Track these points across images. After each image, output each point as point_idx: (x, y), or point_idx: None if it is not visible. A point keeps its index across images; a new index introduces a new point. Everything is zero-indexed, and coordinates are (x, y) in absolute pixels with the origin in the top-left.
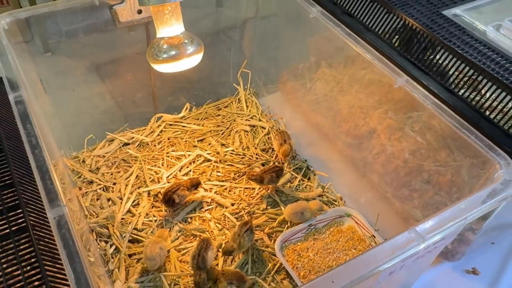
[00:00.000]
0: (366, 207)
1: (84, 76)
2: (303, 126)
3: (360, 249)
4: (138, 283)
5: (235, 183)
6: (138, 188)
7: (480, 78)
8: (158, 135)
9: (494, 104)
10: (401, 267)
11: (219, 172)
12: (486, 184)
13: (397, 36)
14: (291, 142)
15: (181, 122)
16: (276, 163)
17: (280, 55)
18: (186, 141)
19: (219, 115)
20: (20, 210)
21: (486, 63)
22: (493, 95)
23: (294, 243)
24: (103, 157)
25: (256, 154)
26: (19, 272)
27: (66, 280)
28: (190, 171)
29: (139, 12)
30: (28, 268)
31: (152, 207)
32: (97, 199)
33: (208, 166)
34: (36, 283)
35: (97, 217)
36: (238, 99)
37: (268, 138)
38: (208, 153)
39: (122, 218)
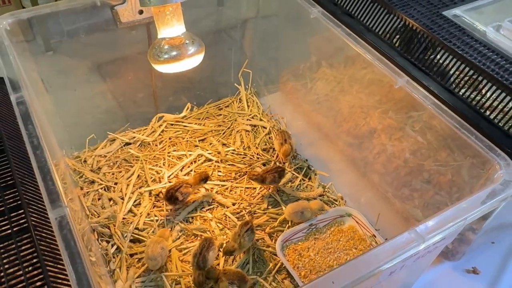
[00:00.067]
0: (366, 206)
1: (85, 76)
2: (304, 126)
3: (360, 248)
4: (139, 282)
5: (236, 183)
6: (140, 188)
7: (480, 78)
8: (160, 135)
9: (494, 104)
10: (401, 267)
11: (220, 171)
12: (486, 184)
13: (397, 37)
14: (291, 142)
15: (182, 122)
16: (277, 163)
17: (281, 55)
18: (187, 140)
19: (220, 114)
20: (22, 211)
21: (486, 63)
22: (493, 95)
23: (295, 242)
24: (104, 156)
25: (257, 154)
26: (20, 272)
27: (68, 280)
28: (191, 170)
29: (140, 12)
30: (30, 268)
31: (153, 207)
32: (99, 199)
33: (209, 166)
34: (38, 283)
35: (98, 217)
36: (239, 98)
37: (269, 137)
38: (209, 153)
39: (123, 218)
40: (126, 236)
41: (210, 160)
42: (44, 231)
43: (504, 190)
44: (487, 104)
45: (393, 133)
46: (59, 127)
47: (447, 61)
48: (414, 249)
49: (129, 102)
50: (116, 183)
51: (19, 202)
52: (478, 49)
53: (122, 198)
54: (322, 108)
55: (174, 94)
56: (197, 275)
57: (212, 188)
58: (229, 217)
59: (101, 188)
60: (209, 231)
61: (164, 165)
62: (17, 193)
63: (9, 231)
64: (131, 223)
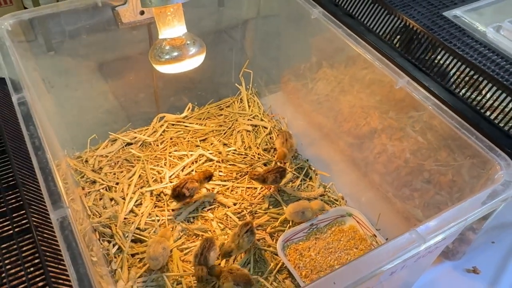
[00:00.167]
0: (367, 206)
1: (87, 76)
2: (305, 126)
3: (361, 248)
4: (140, 282)
5: (237, 183)
6: (141, 188)
7: (480, 79)
8: (161, 135)
9: (495, 105)
10: (402, 267)
11: (221, 171)
12: (487, 185)
13: (398, 37)
14: (291, 142)
15: (184, 122)
16: (278, 163)
17: (282, 55)
18: (188, 141)
19: (221, 115)
20: (24, 211)
21: (486, 64)
22: (493, 96)
23: (296, 242)
24: (106, 157)
25: (258, 154)
26: (22, 273)
27: (69, 281)
28: (192, 170)
29: (142, 13)
30: (32, 269)
31: (154, 207)
32: (100, 199)
33: (210, 166)
34: (40, 284)
35: (100, 217)
36: (240, 99)
37: (270, 138)
38: (210, 153)
39: (124, 218)
40: (127, 236)
41: (211, 160)
42: (46, 231)
43: (504, 191)
44: (487, 104)
45: (394, 133)
46: (60, 127)
47: (447, 62)
48: (415, 249)
49: (131, 102)
50: (117, 183)
51: (21, 202)
52: (478, 50)
53: (124, 198)
54: (322, 108)
55: (175, 94)
56: (198, 270)
57: (213, 188)
58: (230, 217)
59: (103, 188)
60: (210, 231)
61: (165, 165)
62: (18, 194)
63: (11, 231)
64: (132, 223)
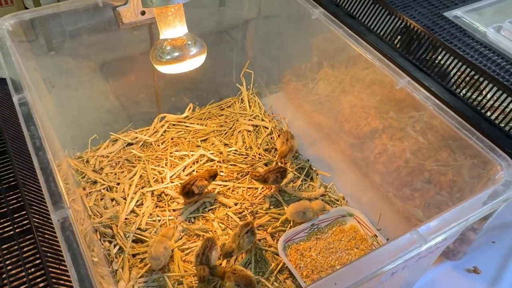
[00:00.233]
0: (368, 206)
1: (87, 76)
2: (306, 126)
3: (362, 248)
4: (141, 283)
5: (238, 183)
6: (142, 188)
7: (480, 79)
8: (162, 135)
9: (495, 105)
10: (403, 267)
11: (222, 172)
12: (487, 185)
13: (398, 38)
14: (292, 142)
15: (184, 122)
16: (279, 163)
17: (283, 55)
18: (189, 141)
19: (222, 115)
20: (24, 212)
21: (486, 64)
22: (494, 96)
23: (296, 242)
24: (106, 157)
25: (259, 154)
26: (23, 274)
27: (70, 281)
28: (193, 171)
29: (143, 13)
30: (32, 270)
31: (155, 207)
32: (101, 199)
33: (211, 166)
34: (41, 285)
35: (101, 217)
36: (241, 99)
37: (271, 138)
38: (211, 153)
39: (125, 218)
40: (128, 237)
41: (212, 160)
42: (47, 232)
43: (505, 191)
44: (488, 104)
45: (394, 133)
46: (61, 128)
47: (448, 62)
48: (416, 250)
49: (131, 102)
50: (118, 184)
51: (22, 203)
52: (478, 50)
53: (125, 199)
54: (323, 109)
55: (176, 95)
56: (200, 270)
57: (214, 188)
58: (231, 217)
59: (104, 189)
60: (211, 231)
61: (166, 165)
62: (19, 194)
63: (12, 232)
64: (133, 223)
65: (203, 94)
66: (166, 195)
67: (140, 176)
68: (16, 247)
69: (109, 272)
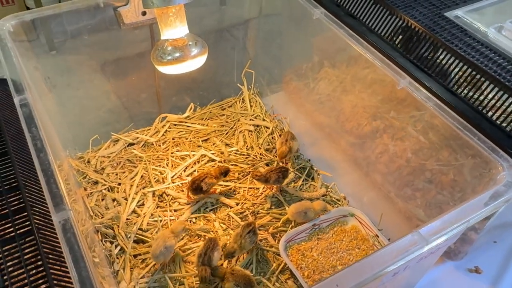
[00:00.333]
0: (369, 206)
1: (89, 76)
2: (307, 126)
3: (363, 248)
4: (143, 283)
5: (240, 183)
6: (143, 188)
7: (482, 79)
8: (163, 135)
9: (496, 105)
10: (404, 268)
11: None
12: (489, 185)
13: (399, 38)
14: (292, 143)
15: (186, 122)
16: (280, 163)
17: (284, 55)
18: (190, 141)
19: (223, 115)
20: (26, 213)
21: (488, 64)
22: (495, 96)
23: (298, 243)
24: (108, 157)
25: (260, 154)
26: (24, 275)
27: (71, 283)
28: (194, 171)
29: (144, 13)
30: (34, 271)
31: (157, 208)
32: (102, 200)
33: (213, 166)
34: (42, 286)
35: (102, 217)
36: (242, 99)
37: (272, 138)
38: (213, 153)
39: (127, 219)
40: (129, 237)
41: (213, 160)
42: (48, 233)
43: (507, 192)
44: (489, 105)
45: (395, 133)
46: (62, 127)
47: (449, 62)
48: (417, 251)
49: (133, 102)
50: (119, 184)
51: (23, 204)
52: (479, 50)
53: (126, 199)
54: (324, 108)
55: (177, 95)
56: (202, 270)
57: (215, 188)
58: (232, 218)
59: (105, 189)
60: (212, 231)
61: (167, 165)
62: (20, 196)
63: (13, 233)
64: (134, 223)
65: (204, 94)
66: (168, 195)
67: (141, 176)
68: (17, 248)
69: (110, 272)
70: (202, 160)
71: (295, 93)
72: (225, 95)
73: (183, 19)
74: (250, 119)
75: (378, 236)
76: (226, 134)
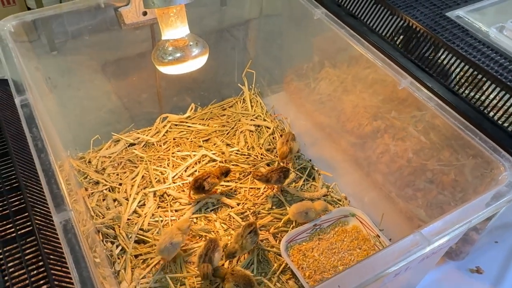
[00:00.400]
0: (370, 206)
1: (89, 76)
2: (307, 126)
3: (364, 248)
4: (144, 283)
5: (241, 183)
6: (144, 188)
7: (483, 79)
8: (164, 135)
9: (498, 105)
10: (406, 268)
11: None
12: (491, 186)
13: (400, 38)
14: (292, 144)
15: (186, 122)
16: (281, 163)
17: (284, 55)
18: (191, 141)
19: (224, 115)
20: (27, 214)
21: (489, 64)
22: (497, 96)
23: (299, 243)
24: (109, 157)
25: (261, 154)
26: (25, 276)
27: (73, 283)
28: (195, 171)
29: (144, 14)
30: (35, 272)
31: (158, 208)
32: (103, 200)
33: (214, 166)
34: (43, 286)
35: (103, 217)
36: (243, 99)
37: (273, 138)
38: (214, 153)
39: (128, 219)
40: (130, 237)
41: (214, 160)
42: (49, 234)
43: (509, 192)
44: (491, 105)
45: (396, 133)
46: (63, 128)
47: (450, 62)
48: (419, 252)
49: (133, 102)
50: (120, 184)
51: (24, 205)
52: (481, 50)
53: (127, 199)
54: (325, 108)
55: (178, 95)
56: (204, 267)
57: (216, 188)
58: (233, 218)
59: (106, 189)
60: (213, 231)
61: (168, 165)
62: (21, 196)
63: (14, 234)
64: (135, 224)
65: (205, 94)
66: (169, 195)
67: (142, 176)
68: (18, 249)
69: (111, 273)
70: (203, 160)
71: (296, 93)
72: (226, 95)
73: (184, 19)
74: (251, 119)
75: (379, 236)
76: (227, 134)
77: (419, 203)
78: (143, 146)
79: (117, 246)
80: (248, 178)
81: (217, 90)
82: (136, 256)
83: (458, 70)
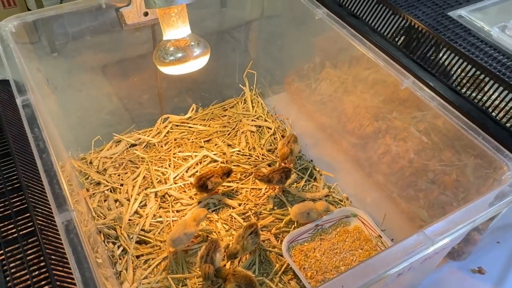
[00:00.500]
0: (372, 207)
1: (90, 77)
2: (309, 127)
3: (366, 249)
4: (145, 284)
5: (242, 184)
6: (145, 189)
7: (486, 79)
8: (165, 136)
9: (501, 105)
10: (409, 269)
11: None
12: (494, 186)
13: (402, 37)
14: (293, 146)
15: (188, 123)
16: (282, 164)
17: (285, 56)
18: (192, 142)
19: (225, 115)
20: (28, 214)
21: (492, 64)
22: (500, 96)
23: (301, 243)
24: (110, 158)
25: (262, 155)
26: (27, 276)
27: (75, 284)
28: (197, 171)
29: (146, 14)
30: (36, 272)
31: (159, 208)
32: (105, 200)
33: (215, 167)
34: (45, 287)
35: (104, 218)
36: (244, 99)
37: (274, 138)
38: (215, 154)
39: (129, 219)
40: (132, 238)
41: (215, 161)
42: (51, 234)
43: None
44: (493, 104)
45: (398, 133)
46: (64, 129)
47: (453, 62)
48: (423, 251)
49: (134, 103)
50: (122, 185)
51: (25, 205)
52: (483, 50)
53: (128, 200)
54: (326, 109)
55: (179, 95)
56: (205, 267)
57: (218, 189)
58: (235, 218)
59: (107, 190)
60: (215, 232)
61: (169, 166)
62: (23, 197)
63: (16, 234)
64: (137, 224)
65: (206, 95)
66: (170, 196)
67: (144, 177)
68: (20, 249)
69: (113, 273)
70: (204, 161)
71: (297, 93)
72: (227, 96)
73: (185, 19)
74: (252, 120)
75: (381, 237)
76: (228, 134)
77: (421, 204)
78: (144, 146)
79: (118, 247)
80: (249, 179)
81: (218, 91)
82: (137, 257)
83: (460, 69)
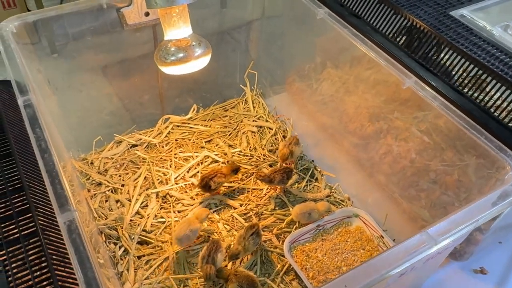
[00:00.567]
0: (373, 207)
1: (91, 78)
2: (310, 127)
3: (368, 249)
4: (147, 284)
5: (243, 184)
6: (147, 189)
7: (488, 78)
8: (166, 136)
9: (503, 105)
10: (411, 269)
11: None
12: (496, 185)
13: (404, 37)
14: (294, 147)
15: (189, 123)
16: (284, 164)
17: (286, 56)
18: (193, 142)
19: (226, 116)
20: (30, 214)
21: (494, 63)
22: (502, 95)
23: (302, 244)
24: (111, 158)
25: (264, 155)
26: (29, 277)
27: (77, 284)
28: (198, 172)
29: (147, 14)
30: (38, 273)
31: (160, 209)
32: (106, 201)
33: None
34: (47, 287)
35: (106, 219)
36: (245, 100)
37: (275, 139)
38: (216, 154)
39: (130, 220)
40: (133, 238)
41: (216, 161)
42: (52, 234)
43: None
44: (495, 104)
45: (399, 134)
46: (65, 129)
47: (455, 61)
48: (426, 251)
49: (135, 103)
50: (123, 185)
51: (27, 205)
52: (486, 49)
53: (129, 200)
54: (327, 109)
55: (180, 96)
56: (207, 268)
57: (219, 189)
58: (236, 219)
59: (108, 190)
60: (216, 232)
61: (170, 166)
62: (25, 197)
63: (17, 235)
64: (138, 225)
65: (207, 95)
66: (171, 196)
67: (145, 177)
68: (21, 250)
69: (114, 274)
70: (205, 161)
71: (298, 94)
72: (228, 96)
73: (187, 19)
74: (253, 120)
75: (383, 237)
76: (229, 135)
77: (422, 204)
78: (145, 147)
79: (120, 247)
80: (250, 179)
81: (219, 91)
82: (139, 257)
83: (462, 69)
